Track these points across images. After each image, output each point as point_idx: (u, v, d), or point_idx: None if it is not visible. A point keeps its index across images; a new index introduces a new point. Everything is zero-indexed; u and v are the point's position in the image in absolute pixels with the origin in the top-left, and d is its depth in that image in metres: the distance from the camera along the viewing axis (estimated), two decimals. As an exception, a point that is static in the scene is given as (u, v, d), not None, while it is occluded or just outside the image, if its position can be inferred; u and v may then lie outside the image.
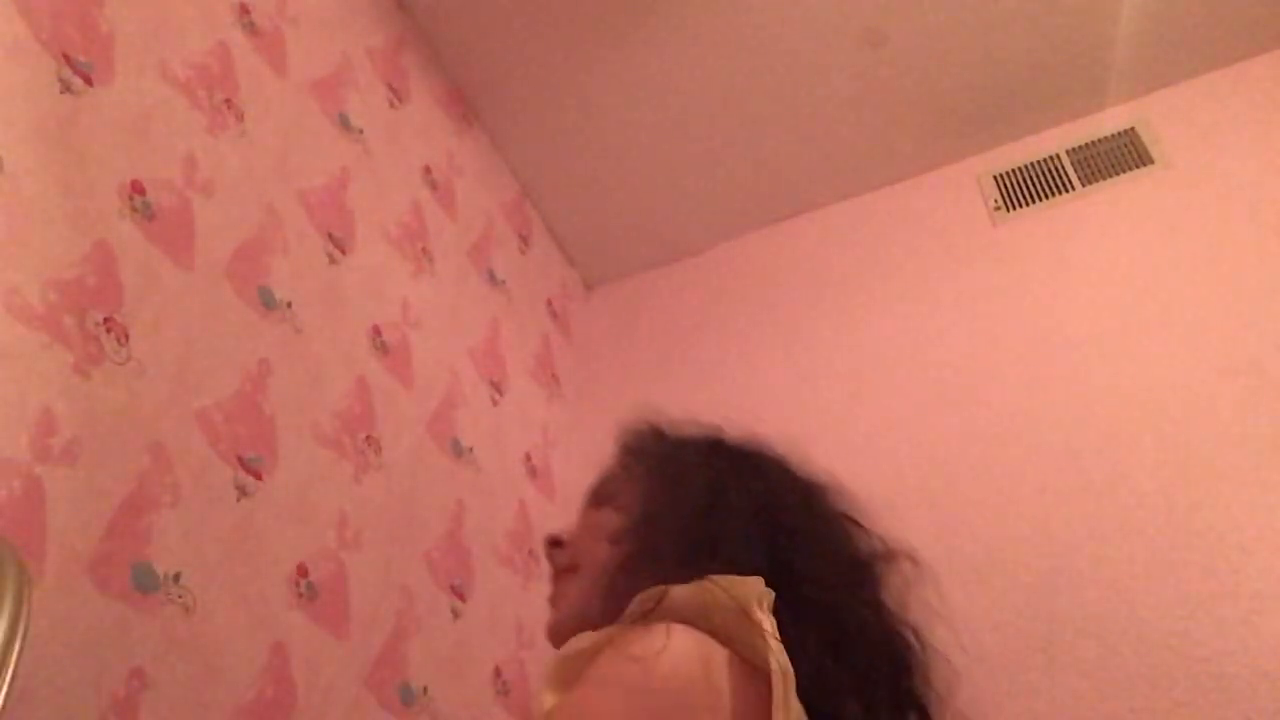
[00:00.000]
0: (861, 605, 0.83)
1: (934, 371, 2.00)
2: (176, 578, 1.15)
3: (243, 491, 1.29)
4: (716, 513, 0.84)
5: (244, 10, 1.61)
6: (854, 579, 0.87)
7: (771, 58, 2.22)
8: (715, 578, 0.70)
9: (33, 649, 0.77)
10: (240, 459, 1.31)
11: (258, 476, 1.33)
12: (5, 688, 0.66)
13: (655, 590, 0.70)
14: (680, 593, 0.69)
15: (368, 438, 1.59)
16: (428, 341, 1.85)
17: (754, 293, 2.41)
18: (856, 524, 0.97)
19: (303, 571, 1.36)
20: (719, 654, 0.66)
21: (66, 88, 1.21)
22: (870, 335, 2.15)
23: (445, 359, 1.91)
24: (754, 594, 0.68)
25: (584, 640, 0.71)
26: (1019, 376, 1.90)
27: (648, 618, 0.68)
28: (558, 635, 0.86)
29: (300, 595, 1.34)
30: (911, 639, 0.87)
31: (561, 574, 0.92)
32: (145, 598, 1.10)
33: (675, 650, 0.64)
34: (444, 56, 2.24)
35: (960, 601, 1.64)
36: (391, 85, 2.03)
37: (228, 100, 1.51)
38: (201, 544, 1.21)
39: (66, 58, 1.22)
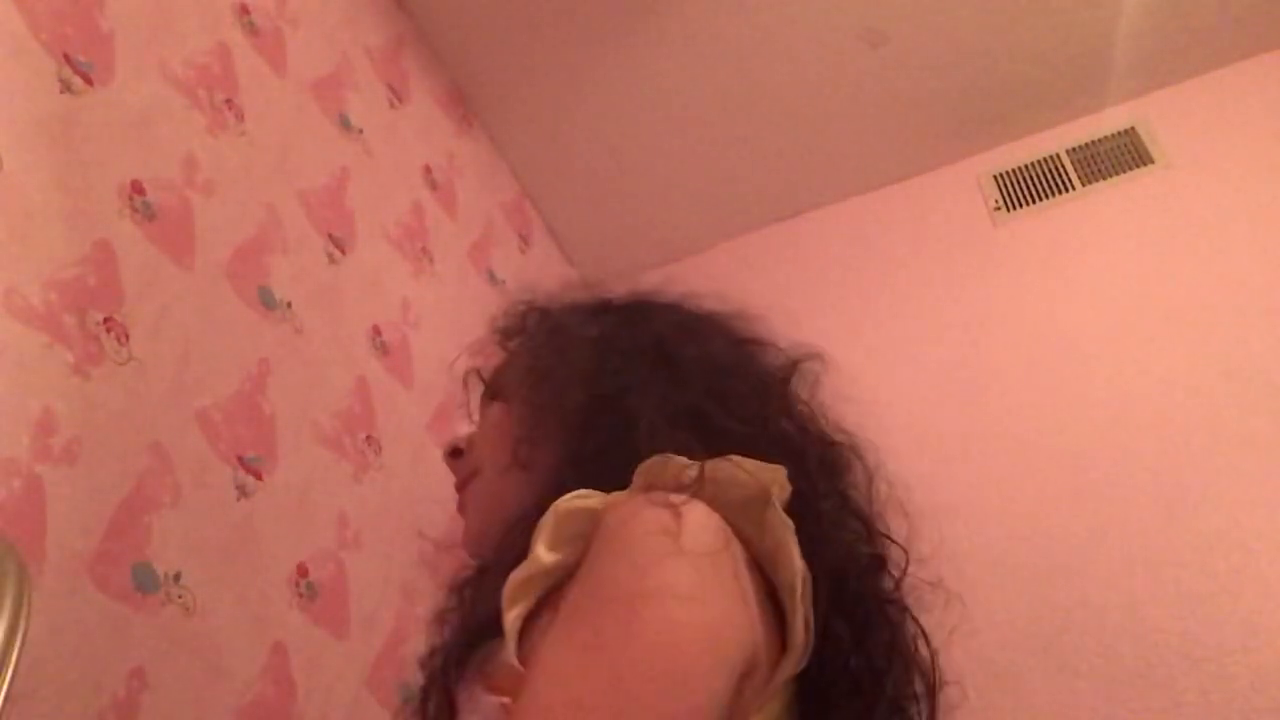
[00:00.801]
0: (782, 422, 0.81)
1: (934, 371, 2.00)
2: (176, 578, 1.15)
3: (243, 491, 1.29)
4: (608, 368, 0.77)
5: (244, 10, 1.61)
6: (769, 399, 0.83)
7: (772, 58, 2.22)
8: (737, 459, 0.64)
9: (33, 649, 0.77)
10: (240, 459, 1.31)
11: (258, 476, 1.33)
12: (5, 688, 0.66)
13: (681, 462, 0.63)
14: (710, 467, 0.63)
15: (368, 438, 1.59)
16: (428, 341, 1.85)
17: (753, 293, 2.40)
18: (761, 343, 0.92)
19: (303, 571, 1.36)
20: (735, 541, 0.61)
21: (66, 88, 1.21)
22: (870, 335, 2.15)
23: (445, 359, 1.90)
24: (776, 480, 0.64)
25: (589, 500, 0.63)
26: (1019, 376, 1.90)
27: (681, 490, 0.60)
28: (474, 544, 0.81)
29: (300, 595, 1.34)
30: (843, 443, 0.86)
31: (465, 482, 0.86)
32: (145, 598, 1.10)
33: (704, 523, 0.59)
34: (444, 56, 2.24)
35: (960, 601, 1.64)
36: (391, 85, 2.02)
37: (228, 100, 1.51)
38: (201, 544, 1.21)
39: (66, 58, 1.22)
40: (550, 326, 0.88)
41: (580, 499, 0.63)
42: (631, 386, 0.75)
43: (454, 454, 0.89)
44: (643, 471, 0.64)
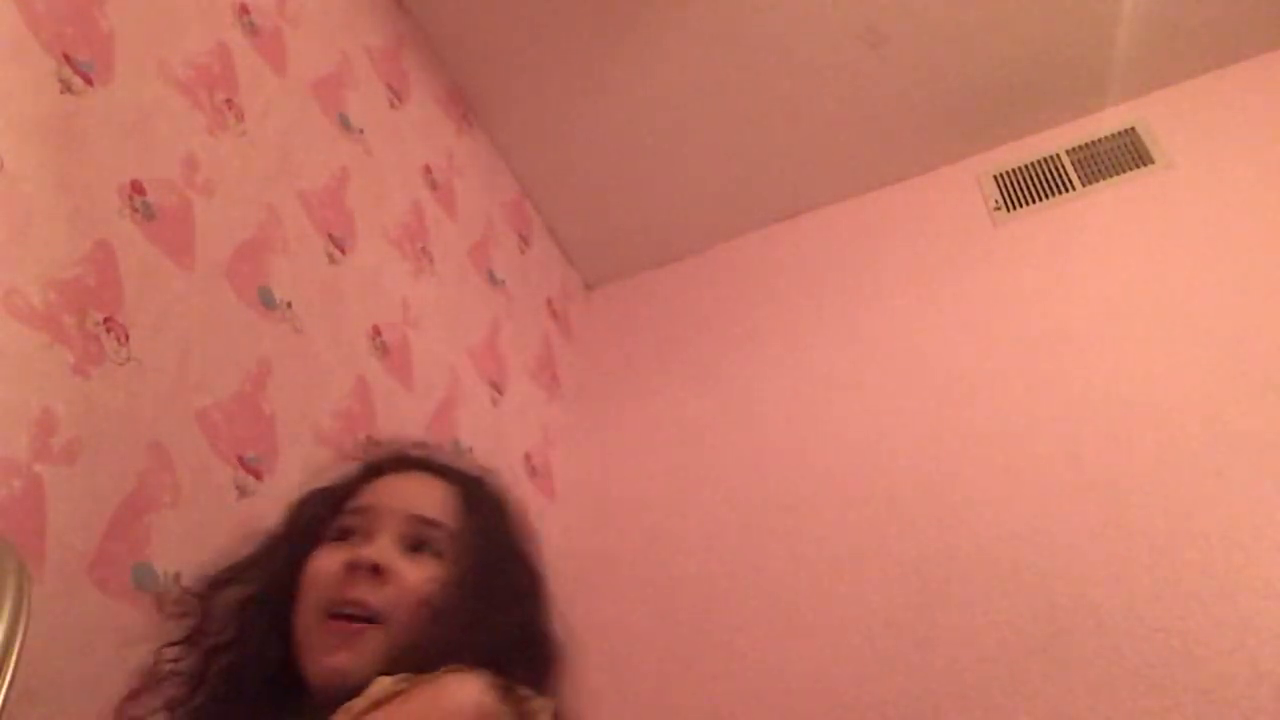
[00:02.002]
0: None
1: (934, 371, 2.00)
2: (176, 578, 1.15)
3: (243, 491, 1.29)
4: (528, 617, 0.93)
5: (244, 10, 1.61)
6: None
7: (771, 58, 2.22)
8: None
9: (32, 649, 0.77)
10: (240, 459, 1.31)
11: (258, 476, 1.33)
12: (5, 687, 0.66)
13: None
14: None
15: (368, 438, 1.58)
16: (428, 341, 1.85)
17: (754, 293, 2.41)
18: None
19: (303, 571, 1.35)
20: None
21: (66, 88, 1.21)
22: (870, 335, 2.15)
23: (445, 359, 1.90)
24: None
25: (385, 686, 0.75)
26: (1019, 376, 1.90)
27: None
28: (347, 683, 0.80)
29: (300, 595, 1.34)
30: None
31: (367, 619, 0.86)
32: (145, 598, 1.10)
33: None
34: (444, 56, 2.24)
35: (960, 602, 1.64)
36: (391, 85, 2.02)
37: (228, 100, 1.51)
38: (201, 544, 1.21)
39: (66, 58, 1.22)
40: (499, 535, 0.99)
41: (381, 686, 0.76)
42: (524, 640, 0.92)
43: (375, 571, 0.88)
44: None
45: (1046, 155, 2.26)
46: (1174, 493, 1.62)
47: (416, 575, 0.89)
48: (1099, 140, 2.23)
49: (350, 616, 0.86)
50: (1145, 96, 2.24)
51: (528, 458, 2.08)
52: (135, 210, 1.26)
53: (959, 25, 2.15)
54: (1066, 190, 2.19)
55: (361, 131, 1.85)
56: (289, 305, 1.50)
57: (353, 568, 0.87)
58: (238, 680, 0.90)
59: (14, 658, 0.68)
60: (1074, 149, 2.24)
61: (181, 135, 1.39)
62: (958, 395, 1.93)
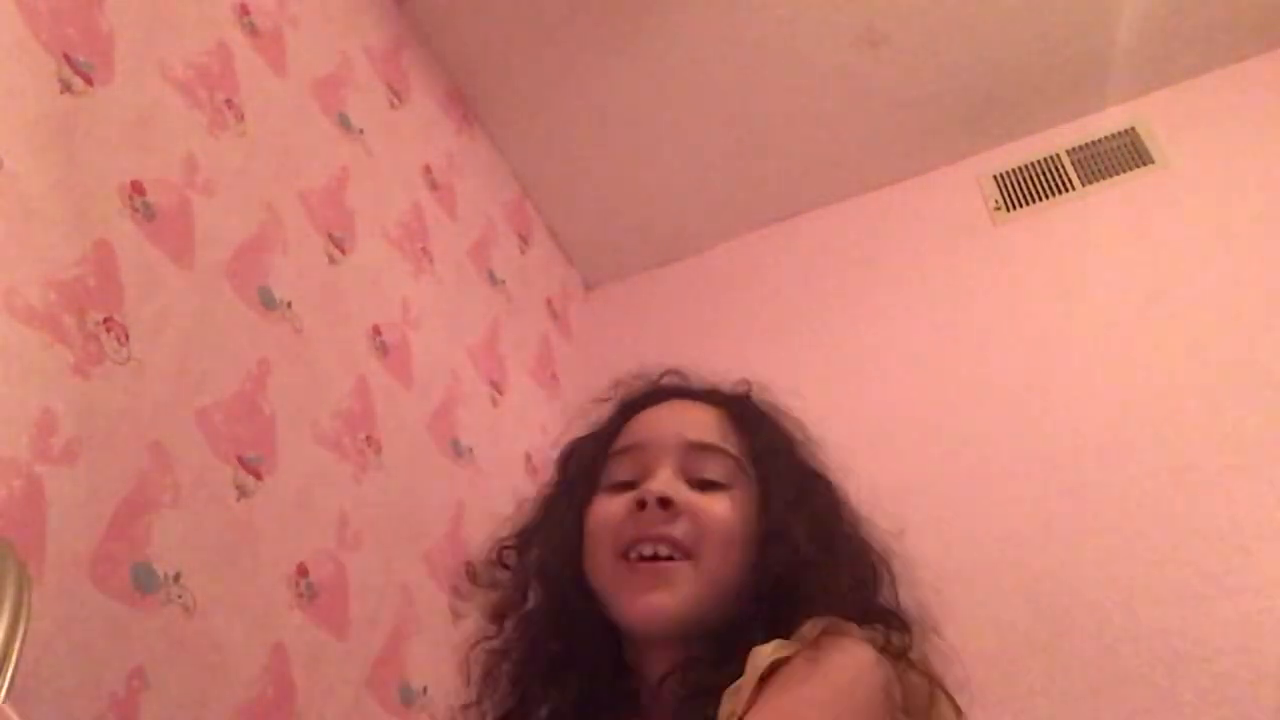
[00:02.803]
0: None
1: (934, 371, 2.00)
2: (176, 578, 1.15)
3: (243, 491, 1.29)
4: (849, 536, 0.92)
5: (244, 10, 1.61)
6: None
7: (771, 58, 2.22)
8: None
9: (32, 649, 0.77)
10: (240, 459, 1.31)
11: (258, 476, 1.33)
12: (5, 688, 0.66)
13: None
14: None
15: (368, 438, 1.58)
16: (428, 341, 1.85)
17: (754, 293, 2.41)
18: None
19: (303, 571, 1.36)
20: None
21: (66, 88, 1.21)
22: (870, 335, 2.15)
23: (445, 359, 1.90)
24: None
25: (765, 655, 0.70)
26: (1019, 376, 1.90)
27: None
28: (671, 623, 0.78)
29: (300, 595, 1.34)
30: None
31: (672, 556, 0.80)
32: (145, 598, 1.10)
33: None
34: (444, 56, 2.24)
35: (960, 601, 1.64)
36: (391, 85, 2.02)
37: (228, 100, 1.51)
38: (201, 544, 1.21)
39: (66, 58, 1.22)
40: (792, 464, 0.94)
41: (779, 649, 0.70)
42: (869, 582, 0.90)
43: (666, 504, 0.82)
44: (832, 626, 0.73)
45: (1046, 155, 2.26)
46: (1174, 493, 1.62)
47: (717, 509, 0.83)
48: (1099, 140, 2.23)
49: (655, 555, 0.81)
50: (1145, 96, 2.24)
51: (528, 458, 2.08)
52: (135, 210, 1.26)
53: (959, 25, 2.15)
54: (1066, 190, 2.19)
55: (361, 131, 1.85)
56: (289, 305, 1.50)
57: (641, 504, 0.81)
58: (560, 640, 0.86)
59: (14, 658, 0.68)
60: (1074, 149, 2.24)
61: (181, 135, 1.39)
62: (957, 395, 1.93)
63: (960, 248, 2.20)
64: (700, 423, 0.90)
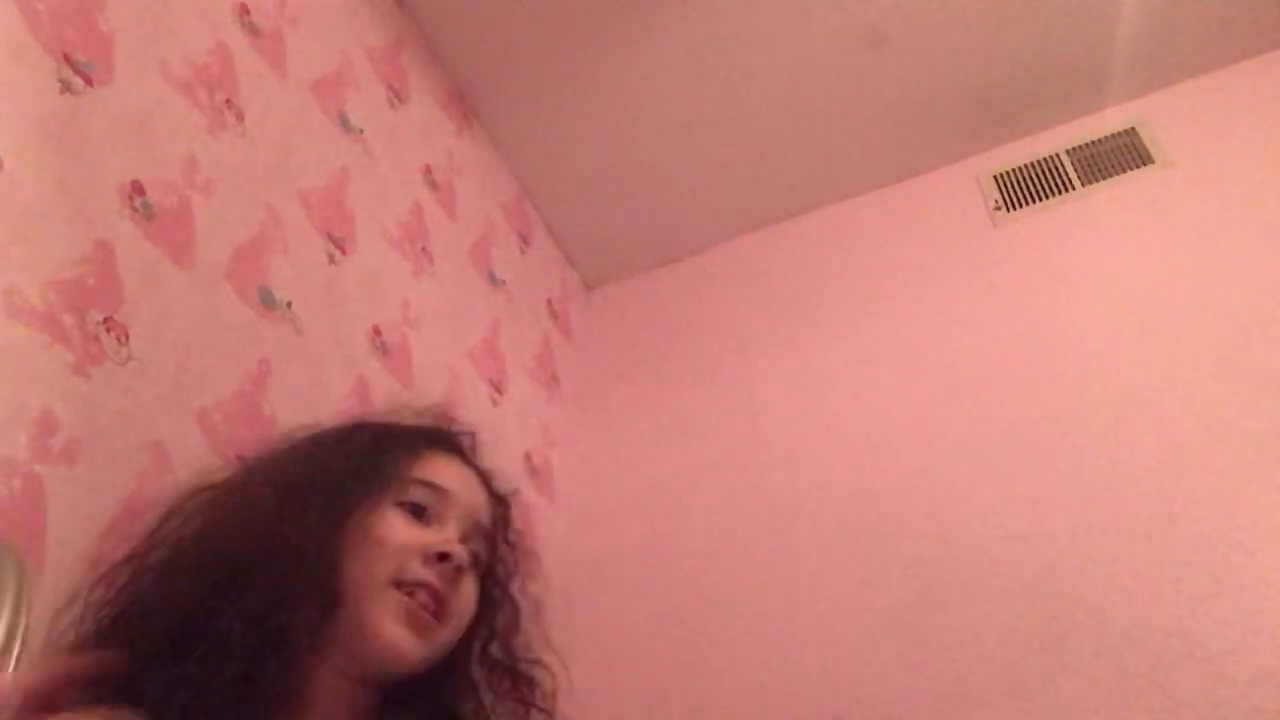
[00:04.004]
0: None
1: (934, 371, 2.00)
2: (176, 578, 1.15)
3: (243, 491, 1.29)
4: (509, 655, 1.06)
5: (244, 10, 1.61)
6: None
7: (771, 58, 2.22)
8: None
9: (33, 649, 0.77)
10: (240, 459, 1.30)
11: (258, 476, 1.33)
12: (5, 687, 0.66)
13: None
14: None
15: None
16: (428, 341, 1.85)
17: (754, 293, 2.41)
18: None
19: (303, 571, 1.35)
20: None
21: (66, 88, 1.21)
22: (870, 335, 2.15)
23: (445, 359, 1.90)
24: None
25: None
26: (1019, 376, 1.90)
27: None
28: (409, 667, 0.86)
29: (300, 595, 1.34)
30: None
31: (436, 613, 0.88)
32: (145, 598, 1.10)
33: None
34: (444, 56, 2.24)
35: (960, 601, 1.64)
36: (391, 85, 2.02)
37: (228, 100, 1.51)
38: (201, 544, 1.21)
39: (66, 58, 1.22)
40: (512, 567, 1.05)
41: None
42: None
43: (458, 571, 0.91)
44: None
45: (1046, 155, 2.26)
46: (1174, 493, 1.62)
47: (469, 595, 0.93)
48: (1099, 140, 2.23)
49: (423, 603, 0.86)
50: (1145, 96, 2.24)
51: (528, 458, 2.08)
52: (135, 210, 1.26)
53: (959, 25, 2.15)
54: (1066, 190, 2.19)
55: (361, 131, 1.85)
56: (289, 305, 1.50)
57: (444, 557, 0.88)
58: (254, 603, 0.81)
59: (14, 657, 0.68)
60: (1074, 149, 2.24)
61: (181, 135, 1.39)
62: (957, 395, 1.93)
63: (960, 248, 2.20)
64: (486, 510, 0.99)
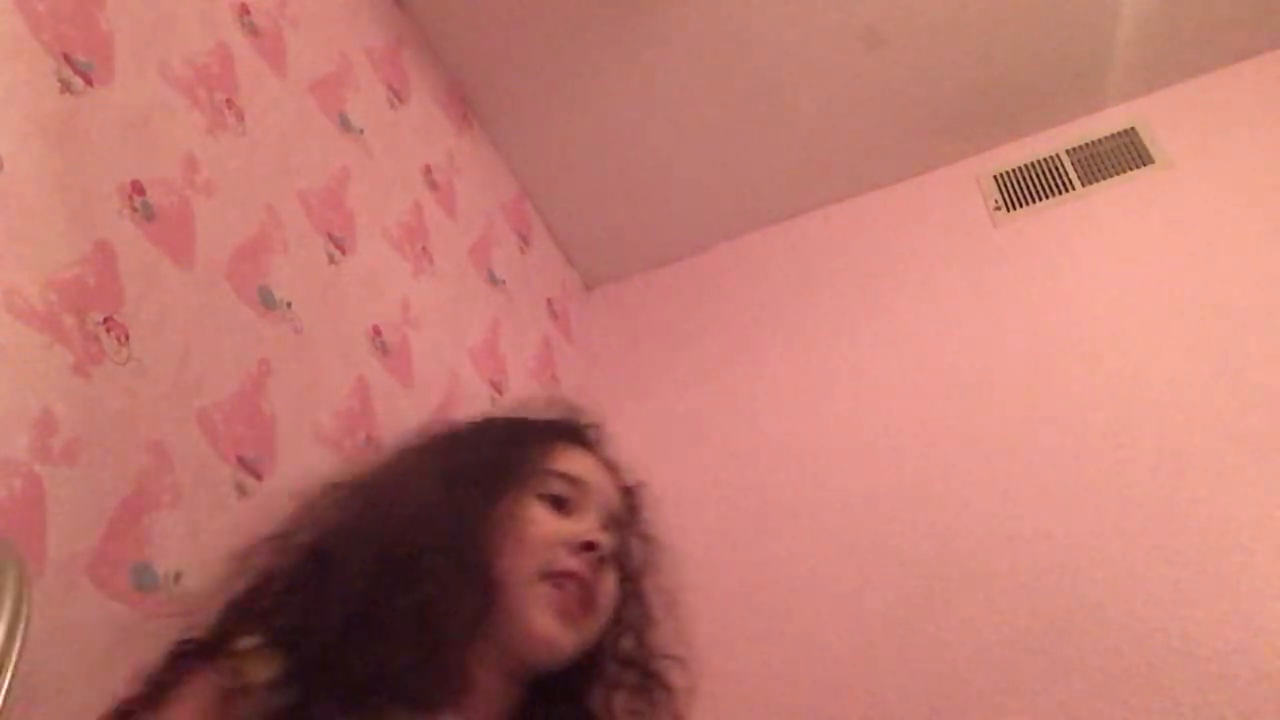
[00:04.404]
0: None
1: (934, 371, 2.00)
2: (176, 578, 1.15)
3: (243, 491, 1.29)
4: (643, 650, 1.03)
5: (244, 10, 1.61)
6: None
7: (771, 58, 2.22)
8: None
9: (32, 649, 0.77)
10: (240, 459, 1.30)
11: (258, 476, 1.33)
12: (5, 688, 0.66)
13: None
14: None
15: (368, 438, 1.58)
16: (428, 341, 1.85)
17: (754, 293, 2.41)
18: None
19: (303, 571, 1.35)
20: None
21: (66, 88, 1.21)
22: (870, 335, 2.15)
23: (445, 359, 1.90)
24: None
25: None
26: (1019, 376, 1.90)
27: None
28: (559, 659, 0.86)
29: (300, 595, 1.34)
30: None
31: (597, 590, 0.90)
32: (145, 598, 1.10)
33: None
34: (444, 56, 2.24)
35: (960, 601, 1.64)
36: (391, 85, 2.02)
37: (228, 100, 1.51)
38: (201, 544, 1.21)
39: (66, 58, 1.22)
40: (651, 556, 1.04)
41: None
42: None
43: (602, 561, 0.90)
44: None
45: (1046, 155, 2.26)
46: (1174, 493, 1.63)
47: (611, 584, 0.92)
48: (1099, 140, 2.23)
49: (571, 595, 0.87)
50: (1145, 96, 2.25)
51: (528, 458, 2.07)
52: (135, 210, 1.26)
53: (959, 25, 2.15)
54: (1066, 190, 2.19)
55: (361, 131, 1.85)
56: (289, 305, 1.50)
57: (590, 546, 0.88)
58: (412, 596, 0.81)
59: (14, 658, 0.68)
60: (1074, 149, 2.24)
61: (181, 135, 1.39)
62: (958, 395, 1.93)
63: (960, 248, 2.20)
64: (618, 501, 0.99)
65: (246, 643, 0.75)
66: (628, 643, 0.96)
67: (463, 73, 2.27)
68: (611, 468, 1.03)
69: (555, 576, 0.86)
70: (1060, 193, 2.19)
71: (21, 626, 0.70)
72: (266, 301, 1.46)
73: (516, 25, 2.16)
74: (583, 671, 0.92)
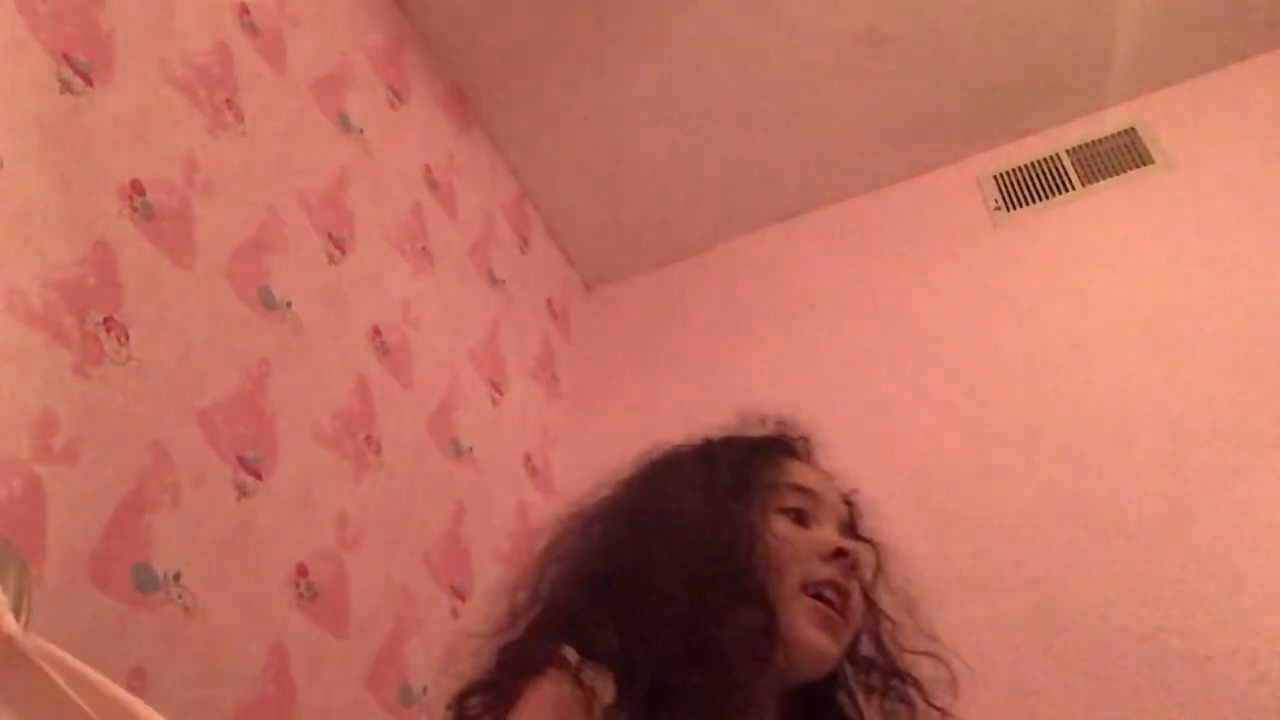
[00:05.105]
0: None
1: (934, 371, 2.00)
2: (176, 578, 1.15)
3: (243, 491, 1.29)
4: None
5: (244, 10, 1.61)
6: None
7: (771, 58, 2.22)
8: None
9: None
10: (240, 459, 1.31)
11: (258, 476, 1.33)
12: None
13: None
14: None
15: (368, 438, 1.59)
16: (428, 341, 1.85)
17: (754, 293, 2.41)
18: None
19: (303, 571, 1.36)
20: None
21: (66, 87, 1.21)
22: (870, 335, 2.15)
23: (445, 359, 1.91)
24: None
25: None
26: (1019, 376, 1.90)
27: None
28: (826, 662, 0.87)
29: (300, 595, 1.34)
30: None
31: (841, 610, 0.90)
32: (145, 598, 1.10)
33: None
34: (444, 56, 2.24)
35: (960, 602, 1.64)
36: (391, 85, 2.03)
37: (228, 100, 1.51)
38: (201, 544, 1.21)
39: (66, 57, 1.22)
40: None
41: None
42: None
43: (853, 566, 0.92)
44: None
45: (1046, 155, 2.26)
46: (1174, 493, 1.62)
47: (859, 588, 0.94)
48: (1099, 140, 2.22)
49: (829, 602, 0.88)
50: (1145, 96, 2.24)
51: (528, 458, 2.08)
52: (135, 210, 1.26)
53: (959, 25, 2.15)
54: (1066, 190, 2.19)
55: (361, 131, 1.86)
56: (289, 305, 1.50)
57: (841, 553, 0.89)
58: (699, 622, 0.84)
59: (14, 658, 0.68)
60: (1074, 149, 2.24)
61: (181, 135, 1.39)
62: (958, 395, 1.93)
63: (960, 248, 2.20)
64: (844, 508, 1.01)
65: (577, 659, 0.77)
66: (865, 646, 0.98)
67: (463, 73, 2.27)
68: (830, 477, 1.05)
69: (813, 587, 0.87)
70: (1060, 193, 2.19)
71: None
72: (266, 301, 1.46)
73: (516, 25, 2.16)
74: (831, 678, 0.93)
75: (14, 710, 0.59)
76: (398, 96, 2.04)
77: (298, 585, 1.34)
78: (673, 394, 2.28)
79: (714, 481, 0.96)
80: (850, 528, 1.00)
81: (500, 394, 2.06)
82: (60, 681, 0.61)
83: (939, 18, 2.13)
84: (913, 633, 1.02)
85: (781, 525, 0.91)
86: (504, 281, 2.25)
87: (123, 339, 1.18)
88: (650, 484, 1.01)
